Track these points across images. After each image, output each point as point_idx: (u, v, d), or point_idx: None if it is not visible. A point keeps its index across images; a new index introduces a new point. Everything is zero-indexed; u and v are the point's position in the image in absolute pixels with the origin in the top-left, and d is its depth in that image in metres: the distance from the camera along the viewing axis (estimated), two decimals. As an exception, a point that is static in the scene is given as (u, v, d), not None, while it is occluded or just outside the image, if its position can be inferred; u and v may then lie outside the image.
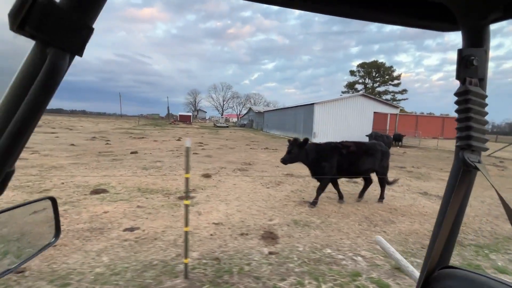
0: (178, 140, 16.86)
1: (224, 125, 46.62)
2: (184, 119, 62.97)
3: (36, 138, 13.37)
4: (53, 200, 0.67)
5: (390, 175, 5.88)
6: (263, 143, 17.92)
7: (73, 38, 0.41)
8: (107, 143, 13.00)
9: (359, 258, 3.00)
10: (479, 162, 0.57)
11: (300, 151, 4.66)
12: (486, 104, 0.59)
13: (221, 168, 7.93)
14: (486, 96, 0.59)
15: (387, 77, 59.11)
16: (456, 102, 0.59)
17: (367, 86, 62.47)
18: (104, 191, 4.99)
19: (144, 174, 6.65)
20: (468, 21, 0.60)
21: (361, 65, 61.80)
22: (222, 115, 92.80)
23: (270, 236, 3.44)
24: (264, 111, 41.14)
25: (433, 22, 0.67)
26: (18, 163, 0.45)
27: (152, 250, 2.96)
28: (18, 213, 0.59)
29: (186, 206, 2.53)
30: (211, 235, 3.41)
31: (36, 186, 5.14)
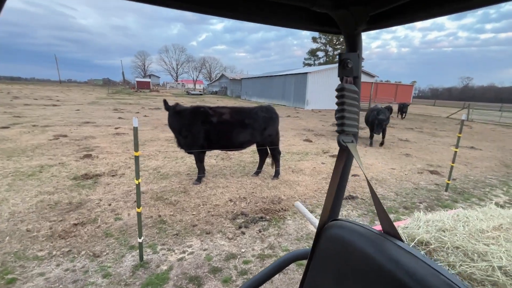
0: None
1: (199, 93, 45.53)
2: (143, 86, 58.03)
3: (59, 111, 12.54)
4: None
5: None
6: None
7: None
8: (145, 116, 13.00)
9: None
10: (352, 142, 0.72)
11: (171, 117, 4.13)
12: (357, 98, 0.73)
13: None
14: (357, 91, 0.73)
15: (346, 45, 63.29)
16: (336, 96, 0.73)
17: (328, 53, 66.23)
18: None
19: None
20: (345, 29, 0.76)
21: (323, 32, 64.38)
22: (176, 80, 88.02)
23: (429, 173, 5.60)
24: (242, 78, 41.36)
25: (324, 27, 0.79)
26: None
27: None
28: None
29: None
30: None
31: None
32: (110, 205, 3.49)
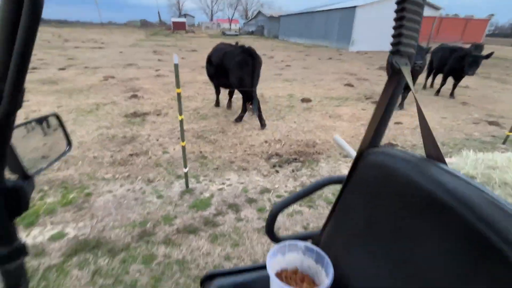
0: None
1: (234, 33, 43.33)
2: (179, 27, 56.60)
3: (105, 53, 13.16)
4: (57, 116, 0.71)
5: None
6: (318, 52, 18.01)
7: None
8: (183, 58, 13.04)
9: None
10: (406, 65, 0.63)
11: None
12: (421, 12, 0.62)
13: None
14: (422, 4, 0.61)
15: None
16: (395, 10, 0.61)
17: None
18: (308, 100, 6.15)
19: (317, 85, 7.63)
20: None
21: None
22: (211, 19, 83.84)
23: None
24: (280, 16, 37.71)
25: None
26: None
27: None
28: (32, 128, 0.64)
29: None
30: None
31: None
32: (157, 140, 3.86)
